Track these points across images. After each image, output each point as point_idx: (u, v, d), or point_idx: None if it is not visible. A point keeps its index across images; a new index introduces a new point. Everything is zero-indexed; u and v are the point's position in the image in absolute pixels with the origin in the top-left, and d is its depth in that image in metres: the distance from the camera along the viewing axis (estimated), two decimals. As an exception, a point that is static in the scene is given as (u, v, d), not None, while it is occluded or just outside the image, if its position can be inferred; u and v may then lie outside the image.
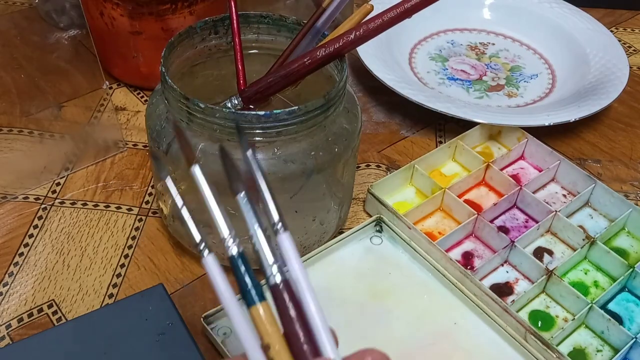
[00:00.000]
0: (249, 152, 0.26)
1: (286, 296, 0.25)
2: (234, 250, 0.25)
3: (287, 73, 0.41)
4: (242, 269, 0.25)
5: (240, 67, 0.43)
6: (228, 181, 0.26)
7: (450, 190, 0.51)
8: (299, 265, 0.25)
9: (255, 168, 0.26)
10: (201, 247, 0.25)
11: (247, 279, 0.24)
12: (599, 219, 0.52)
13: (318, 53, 0.40)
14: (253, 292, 0.24)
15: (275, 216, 0.26)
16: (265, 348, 0.24)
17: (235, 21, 0.43)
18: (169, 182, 0.26)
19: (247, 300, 0.24)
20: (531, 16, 0.72)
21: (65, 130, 0.58)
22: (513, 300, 0.44)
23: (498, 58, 0.70)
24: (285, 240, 0.25)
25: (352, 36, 0.40)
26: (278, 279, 0.25)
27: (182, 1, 0.56)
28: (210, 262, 0.24)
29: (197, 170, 0.26)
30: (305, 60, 0.40)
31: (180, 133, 0.27)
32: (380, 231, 0.49)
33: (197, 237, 0.25)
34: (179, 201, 0.26)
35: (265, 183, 0.26)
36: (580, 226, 0.51)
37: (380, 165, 0.57)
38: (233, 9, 0.43)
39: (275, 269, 0.25)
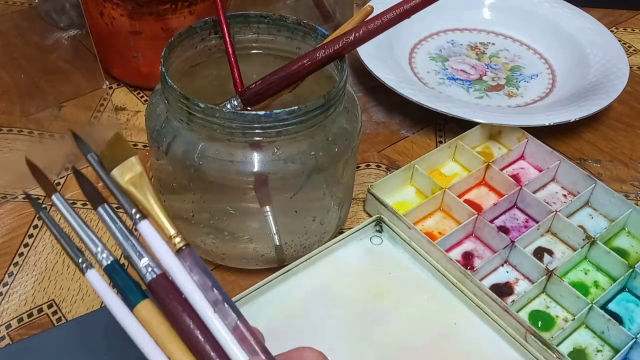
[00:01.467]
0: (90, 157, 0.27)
1: (162, 291, 0.24)
2: (107, 261, 0.25)
3: (286, 74, 0.41)
4: (118, 274, 0.25)
5: (235, 68, 0.43)
6: (87, 199, 0.26)
7: (450, 190, 0.51)
8: (166, 253, 0.25)
9: (98, 169, 0.27)
10: (81, 264, 0.25)
11: (123, 282, 0.25)
12: (599, 219, 0.52)
13: (318, 54, 0.40)
14: (133, 292, 0.24)
15: (130, 208, 0.25)
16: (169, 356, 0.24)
17: (224, 23, 0.43)
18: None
19: (127, 303, 0.24)
20: (531, 16, 0.72)
21: (65, 130, 0.58)
22: (513, 301, 0.44)
23: (498, 58, 0.70)
24: (146, 229, 0.25)
25: (351, 37, 0.40)
26: (150, 275, 0.24)
27: (182, 1, 0.56)
28: (93, 277, 0.25)
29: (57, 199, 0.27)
30: (305, 61, 0.40)
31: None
32: (380, 231, 0.49)
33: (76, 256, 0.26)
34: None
35: (110, 182, 0.26)
36: (581, 226, 0.51)
37: (380, 165, 0.57)
38: (220, 10, 0.43)
39: (144, 263, 0.25)
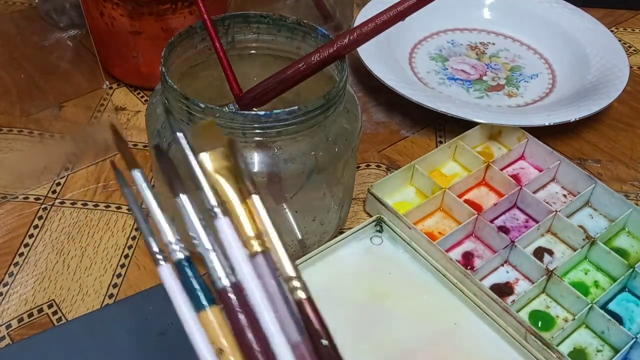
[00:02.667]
0: (180, 134, 0.24)
1: (234, 300, 0.22)
2: (179, 255, 0.23)
3: (282, 79, 0.41)
4: (189, 273, 0.23)
5: (229, 72, 0.43)
6: (168, 185, 0.24)
7: (450, 190, 0.51)
8: (242, 256, 0.23)
9: (187, 151, 0.24)
10: (159, 255, 0.23)
11: (195, 283, 0.22)
12: (599, 219, 0.52)
13: (313, 58, 0.40)
14: (201, 296, 0.22)
15: (212, 201, 0.23)
16: (218, 352, 0.22)
17: (209, 26, 0.43)
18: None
19: (195, 305, 0.22)
20: (531, 16, 0.72)
21: (65, 130, 0.58)
22: (513, 301, 0.44)
23: (498, 58, 0.70)
24: (224, 226, 0.23)
25: (345, 40, 0.40)
26: (225, 282, 0.22)
27: (182, 1, 0.56)
28: (165, 271, 0.23)
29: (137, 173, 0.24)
30: (300, 65, 0.40)
31: (116, 135, 0.25)
32: (380, 231, 0.49)
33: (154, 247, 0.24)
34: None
35: (198, 165, 0.23)
36: (581, 226, 0.51)
37: (381, 165, 0.57)
38: (204, 13, 0.43)
39: (220, 270, 0.23)
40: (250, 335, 0.22)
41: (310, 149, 0.41)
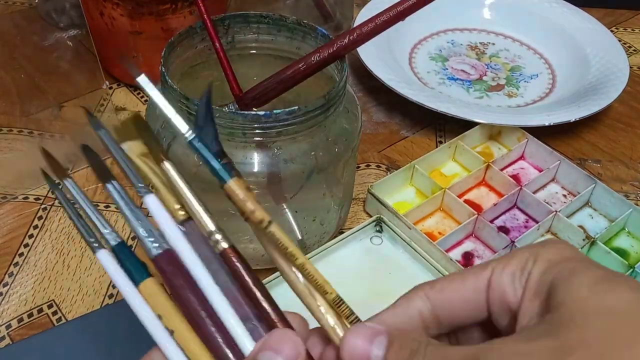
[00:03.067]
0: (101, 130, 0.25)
1: (166, 267, 0.24)
2: (115, 242, 0.25)
3: (282, 79, 0.41)
4: (123, 255, 0.25)
5: (229, 72, 0.43)
6: (96, 175, 0.26)
7: (450, 191, 0.51)
8: (171, 226, 0.24)
9: (107, 141, 0.25)
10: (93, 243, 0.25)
11: (129, 261, 0.25)
12: (599, 219, 0.52)
13: (312, 58, 0.40)
14: (136, 271, 0.24)
15: (136, 180, 0.25)
16: (170, 333, 0.23)
17: (209, 26, 0.43)
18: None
19: (133, 280, 0.24)
20: (531, 16, 0.72)
21: (65, 130, 0.58)
22: (513, 301, 0.44)
23: (498, 58, 0.70)
24: (152, 203, 0.25)
25: (345, 40, 0.40)
26: (157, 250, 0.24)
27: (182, 1, 0.56)
28: (103, 256, 0.25)
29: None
30: (300, 65, 0.40)
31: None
32: (380, 231, 0.49)
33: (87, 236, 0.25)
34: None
35: (119, 152, 0.25)
36: (581, 226, 0.51)
37: (381, 165, 0.57)
38: (204, 13, 0.43)
39: (151, 240, 0.24)
40: (188, 295, 0.24)
41: (310, 149, 0.41)
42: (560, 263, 0.23)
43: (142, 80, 0.24)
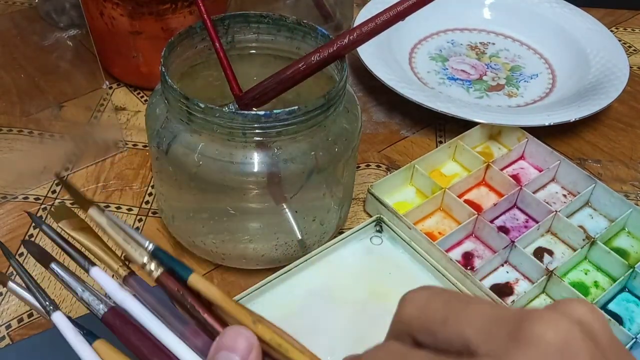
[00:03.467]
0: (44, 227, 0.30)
1: (116, 322, 0.27)
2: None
3: (282, 79, 0.41)
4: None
5: (229, 72, 0.43)
6: (39, 260, 0.30)
7: (450, 190, 0.51)
8: (115, 288, 0.27)
9: (53, 235, 0.30)
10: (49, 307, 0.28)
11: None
12: (599, 219, 0.52)
13: (312, 58, 0.40)
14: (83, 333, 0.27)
15: (79, 257, 0.29)
16: None
17: (209, 26, 0.43)
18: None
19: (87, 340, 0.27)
20: (531, 16, 0.72)
21: (65, 130, 0.58)
22: (513, 301, 0.44)
23: (498, 58, 0.70)
24: (96, 275, 0.28)
25: (345, 40, 0.40)
26: (103, 310, 0.27)
27: (182, 1, 0.56)
28: (59, 318, 0.27)
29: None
30: (300, 65, 0.40)
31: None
32: (380, 231, 0.49)
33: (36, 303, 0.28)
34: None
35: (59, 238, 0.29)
36: (581, 226, 0.51)
37: (381, 165, 0.57)
38: (204, 12, 0.43)
39: (97, 302, 0.27)
40: (139, 342, 0.26)
41: (310, 149, 0.41)
42: None
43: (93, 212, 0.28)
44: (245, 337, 0.24)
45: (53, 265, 0.29)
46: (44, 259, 0.29)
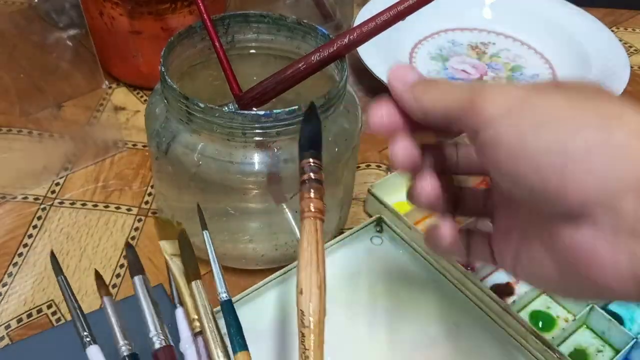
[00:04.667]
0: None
1: None
2: (125, 352, 0.30)
3: (282, 79, 0.41)
4: None
5: (229, 72, 0.43)
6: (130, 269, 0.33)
7: (450, 190, 0.51)
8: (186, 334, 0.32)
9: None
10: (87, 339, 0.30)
11: None
12: (599, 219, 0.52)
13: (312, 58, 0.40)
14: None
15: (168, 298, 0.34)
16: None
17: (209, 25, 0.43)
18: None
19: None
20: (532, 16, 0.72)
21: (65, 130, 0.58)
22: (514, 301, 0.44)
23: (499, 58, 0.70)
24: (178, 315, 0.34)
25: (346, 40, 0.40)
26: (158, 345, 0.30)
27: (182, 0, 0.56)
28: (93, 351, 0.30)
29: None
30: (300, 65, 0.40)
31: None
32: (380, 231, 0.49)
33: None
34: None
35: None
36: (581, 226, 0.50)
37: (381, 165, 0.57)
38: (204, 12, 0.42)
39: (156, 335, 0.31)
40: None
41: (310, 149, 0.40)
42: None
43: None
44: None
45: (137, 278, 0.31)
46: (134, 269, 0.32)
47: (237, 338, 0.30)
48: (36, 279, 0.46)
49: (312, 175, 0.30)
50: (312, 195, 0.30)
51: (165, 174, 0.43)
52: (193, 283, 0.33)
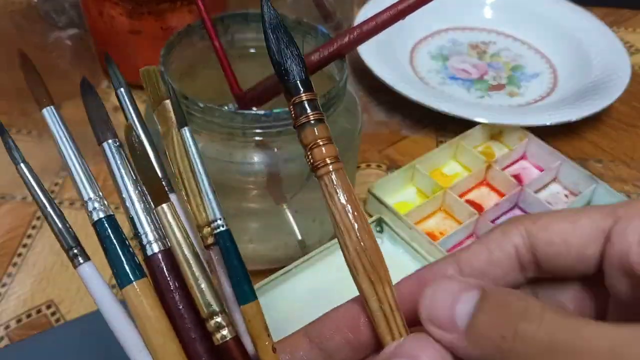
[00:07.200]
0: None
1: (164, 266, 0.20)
2: (100, 214, 0.21)
3: None
4: (112, 237, 0.21)
5: (229, 72, 0.43)
6: (93, 129, 0.23)
7: (451, 190, 0.51)
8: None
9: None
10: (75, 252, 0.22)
11: (120, 251, 0.20)
12: (600, 219, 0.52)
13: (312, 57, 0.40)
14: (127, 266, 0.20)
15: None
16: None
17: (209, 25, 0.42)
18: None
19: (119, 280, 0.20)
20: (532, 15, 0.72)
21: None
22: (514, 301, 0.44)
23: (499, 57, 0.69)
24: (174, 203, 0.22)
25: (346, 39, 0.40)
26: (155, 248, 0.21)
27: (182, 0, 0.56)
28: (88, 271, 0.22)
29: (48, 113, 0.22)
30: None
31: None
32: (381, 231, 0.49)
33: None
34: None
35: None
36: (582, 226, 0.50)
37: (381, 165, 0.57)
38: (203, 12, 0.42)
39: (151, 236, 0.21)
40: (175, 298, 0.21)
41: (310, 149, 0.40)
42: None
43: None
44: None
45: (107, 143, 0.22)
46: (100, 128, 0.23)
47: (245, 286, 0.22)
48: (35, 279, 0.46)
49: (311, 115, 0.23)
50: (320, 142, 0.23)
51: (165, 174, 0.43)
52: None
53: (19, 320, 0.43)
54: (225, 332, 0.21)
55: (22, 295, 0.45)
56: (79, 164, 0.23)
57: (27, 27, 0.70)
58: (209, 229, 0.23)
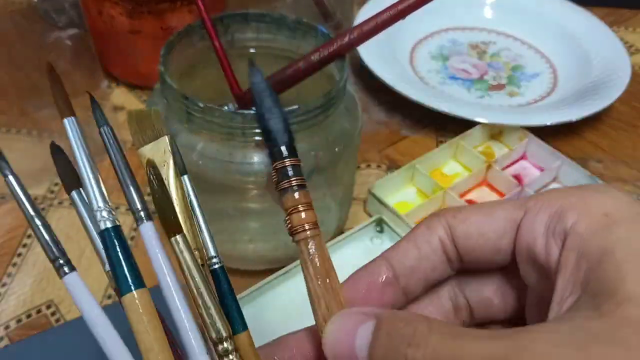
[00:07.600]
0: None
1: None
2: (107, 223, 0.22)
3: (282, 79, 0.41)
4: (117, 246, 0.22)
5: (229, 72, 0.43)
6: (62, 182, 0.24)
7: (451, 191, 0.50)
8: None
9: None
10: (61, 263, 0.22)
11: (123, 260, 0.22)
12: (601, 219, 0.52)
13: (312, 57, 0.40)
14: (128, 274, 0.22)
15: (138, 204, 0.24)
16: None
17: (209, 25, 0.42)
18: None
19: (120, 287, 0.21)
20: (533, 15, 0.72)
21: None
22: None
23: (499, 57, 0.69)
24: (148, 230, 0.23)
25: (346, 39, 0.40)
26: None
27: (181, 0, 0.56)
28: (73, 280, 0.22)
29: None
30: (300, 65, 0.40)
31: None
32: (381, 231, 0.48)
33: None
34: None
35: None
36: (582, 226, 0.50)
37: (381, 165, 0.57)
38: (203, 12, 0.42)
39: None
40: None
41: (310, 149, 0.40)
42: (621, 223, 0.18)
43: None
44: None
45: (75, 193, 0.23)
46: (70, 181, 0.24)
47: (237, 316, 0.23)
48: (35, 279, 0.46)
49: (293, 181, 0.23)
50: (300, 207, 0.24)
51: (164, 174, 0.43)
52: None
53: (19, 321, 0.43)
54: (232, 357, 0.22)
55: (22, 296, 0.45)
56: (92, 175, 0.24)
57: (27, 27, 0.69)
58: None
